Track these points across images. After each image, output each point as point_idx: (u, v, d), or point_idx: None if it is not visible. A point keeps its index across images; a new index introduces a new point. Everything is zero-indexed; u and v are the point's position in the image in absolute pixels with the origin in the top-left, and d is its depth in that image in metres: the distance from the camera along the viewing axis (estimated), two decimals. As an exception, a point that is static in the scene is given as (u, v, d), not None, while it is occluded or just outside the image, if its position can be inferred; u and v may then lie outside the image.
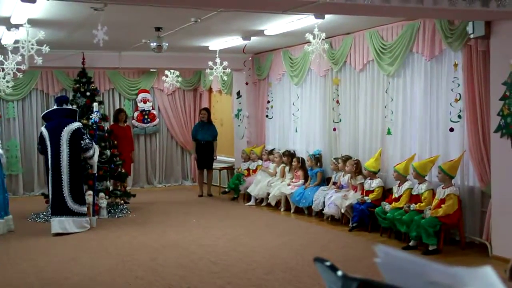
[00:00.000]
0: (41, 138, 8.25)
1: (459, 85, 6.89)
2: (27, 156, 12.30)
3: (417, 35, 7.37)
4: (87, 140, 8.08)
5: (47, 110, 8.86)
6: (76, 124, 8.14)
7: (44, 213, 9.29)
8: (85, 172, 8.58)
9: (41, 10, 6.42)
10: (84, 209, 8.18)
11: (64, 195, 8.03)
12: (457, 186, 6.82)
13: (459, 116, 6.91)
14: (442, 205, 6.66)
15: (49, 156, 8.12)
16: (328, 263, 1.30)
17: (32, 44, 6.40)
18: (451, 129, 7.02)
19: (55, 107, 8.57)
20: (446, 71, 7.10)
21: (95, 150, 8.31)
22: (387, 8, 5.31)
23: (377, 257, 1.13)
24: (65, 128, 8.09)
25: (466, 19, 6.37)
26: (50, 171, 8.15)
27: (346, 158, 8.54)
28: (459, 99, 6.90)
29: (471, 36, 6.39)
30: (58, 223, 7.99)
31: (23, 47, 6.39)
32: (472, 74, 6.61)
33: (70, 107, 8.52)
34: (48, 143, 8.13)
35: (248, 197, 10.67)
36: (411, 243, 6.83)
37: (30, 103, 12.34)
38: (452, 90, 7.00)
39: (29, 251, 7.05)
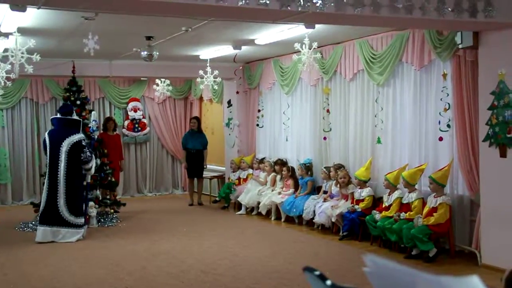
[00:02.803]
0: (44, 143, 8.31)
1: (448, 94, 6.95)
2: (16, 165, 12.22)
3: (406, 45, 7.43)
4: (88, 153, 8.03)
5: (53, 117, 8.73)
6: (77, 136, 8.09)
7: (33, 223, 9.20)
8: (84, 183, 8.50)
9: (31, 18, 6.41)
10: (80, 220, 8.12)
11: (59, 205, 7.99)
12: (448, 196, 6.86)
13: (448, 126, 6.96)
14: (434, 214, 6.69)
15: (47, 165, 8.16)
16: (317, 273, 1.30)
17: (22, 53, 6.38)
18: (440, 138, 7.07)
19: (58, 115, 8.48)
20: (435, 80, 7.15)
21: (93, 161, 8.28)
22: (376, 18, 5.35)
23: (365, 266, 1.14)
24: (67, 139, 8.07)
25: (454, 30, 6.44)
26: (46, 180, 8.15)
27: (339, 167, 8.56)
28: (448, 108, 6.95)
29: (460, 46, 6.45)
30: (43, 232, 7.98)
31: (12, 56, 6.37)
32: (461, 83, 6.67)
33: (75, 117, 8.40)
34: (48, 150, 8.15)
35: (238, 206, 10.66)
36: (413, 252, 6.84)
37: (19, 111, 12.28)
38: (441, 99, 7.05)
39: (18, 261, 6.99)
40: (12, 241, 8.21)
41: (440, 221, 6.64)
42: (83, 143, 8.10)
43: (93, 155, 8.21)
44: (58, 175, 8.00)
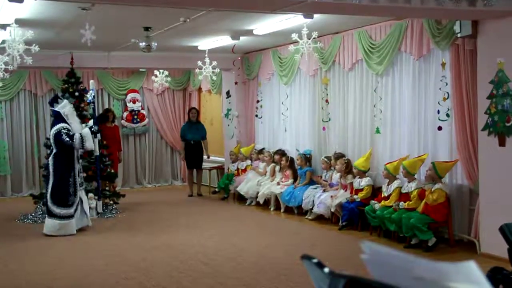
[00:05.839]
0: None
1: (447, 84, 6.94)
2: (16, 157, 12.23)
3: (405, 34, 7.41)
4: (66, 139, 7.93)
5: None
6: (56, 127, 8.04)
7: (33, 214, 9.24)
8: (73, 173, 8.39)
9: (29, 10, 6.38)
10: (67, 211, 7.99)
11: (47, 196, 8.07)
12: (446, 184, 6.87)
13: (447, 115, 6.96)
14: (429, 195, 6.70)
15: None
16: (315, 260, 1.31)
17: (20, 44, 6.35)
18: (439, 128, 7.07)
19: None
20: (434, 70, 7.14)
21: (84, 138, 7.99)
22: (375, 7, 5.34)
23: (363, 254, 1.15)
24: (51, 131, 8.18)
25: (453, 19, 6.42)
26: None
27: (338, 156, 8.56)
28: (447, 97, 6.95)
29: (459, 35, 6.44)
30: (47, 224, 8.08)
31: (9, 47, 6.35)
32: (460, 73, 6.66)
33: (56, 107, 8.29)
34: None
35: (238, 196, 10.67)
36: (413, 242, 6.86)
37: (18, 103, 12.27)
38: (440, 89, 7.04)
39: (17, 253, 7.01)
40: (12, 233, 8.23)
41: (437, 200, 6.63)
42: (62, 131, 7.95)
43: (74, 136, 7.94)
44: (49, 166, 8.16)
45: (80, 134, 8.02)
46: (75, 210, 8.12)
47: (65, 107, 8.21)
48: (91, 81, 9.26)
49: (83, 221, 8.25)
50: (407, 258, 1.07)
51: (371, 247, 1.12)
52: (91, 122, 8.45)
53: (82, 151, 8.55)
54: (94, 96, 8.88)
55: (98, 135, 8.60)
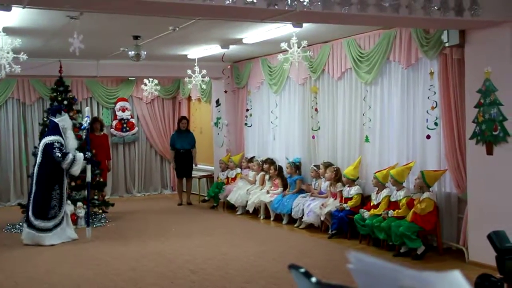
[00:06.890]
0: None
1: (435, 93, 6.99)
2: (3, 166, 12.13)
3: (393, 43, 7.46)
4: (57, 154, 7.81)
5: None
6: (50, 138, 7.94)
7: (20, 224, 9.12)
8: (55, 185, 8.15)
9: (17, 18, 6.36)
10: (46, 224, 7.88)
11: (29, 207, 7.99)
12: (434, 193, 6.90)
13: (436, 124, 7.00)
14: (418, 204, 6.73)
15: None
16: (302, 270, 1.30)
17: (8, 52, 6.32)
18: (428, 136, 7.11)
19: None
20: (422, 79, 7.19)
21: (74, 162, 7.89)
22: (363, 16, 5.37)
23: (349, 263, 1.14)
24: (43, 140, 8.08)
25: (440, 28, 6.48)
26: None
27: (328, 165, 8.58)
28: (435, 106, 6.99)
29: (446, 44, 6.49)
30: (24, 233, 8.03)
31: (-2, 56, 6.32)
32: (448, 82, 6.71)
33: (57, 118, 8.13)
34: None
35: (227, 205, 10.65)
36: (402, 250, 6.86)
37: (6, 112, 12.18)
38: (428, 98, 7.09)
39: (5, 263, 6.93)
40: (0, 242, 8.14)
41: (425, 209, 6.64)
42: (55, 144, 7.84)
43: (68, 155, 7.83)
44: (33, 176, 8.05)
45: (74, 156, 7.91)
46: (57, 224, 7.99)
47: (65, 120, 8.11)
48: (86, 108, 9.02)
49: (66, 234, 8.10)
50: (392, 268, 1.07)
51: (356, 256, 1.12)
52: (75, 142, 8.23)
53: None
54: (89, 123, 8.61)
55: (89, 166, 8.34)
